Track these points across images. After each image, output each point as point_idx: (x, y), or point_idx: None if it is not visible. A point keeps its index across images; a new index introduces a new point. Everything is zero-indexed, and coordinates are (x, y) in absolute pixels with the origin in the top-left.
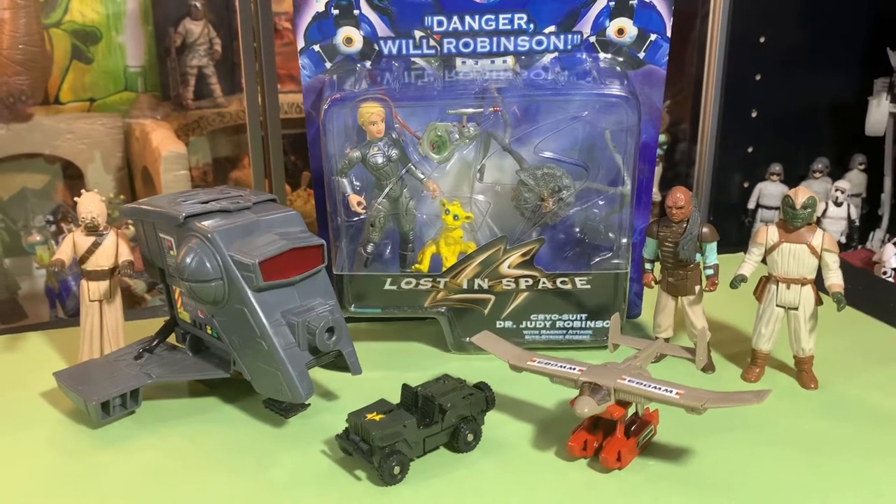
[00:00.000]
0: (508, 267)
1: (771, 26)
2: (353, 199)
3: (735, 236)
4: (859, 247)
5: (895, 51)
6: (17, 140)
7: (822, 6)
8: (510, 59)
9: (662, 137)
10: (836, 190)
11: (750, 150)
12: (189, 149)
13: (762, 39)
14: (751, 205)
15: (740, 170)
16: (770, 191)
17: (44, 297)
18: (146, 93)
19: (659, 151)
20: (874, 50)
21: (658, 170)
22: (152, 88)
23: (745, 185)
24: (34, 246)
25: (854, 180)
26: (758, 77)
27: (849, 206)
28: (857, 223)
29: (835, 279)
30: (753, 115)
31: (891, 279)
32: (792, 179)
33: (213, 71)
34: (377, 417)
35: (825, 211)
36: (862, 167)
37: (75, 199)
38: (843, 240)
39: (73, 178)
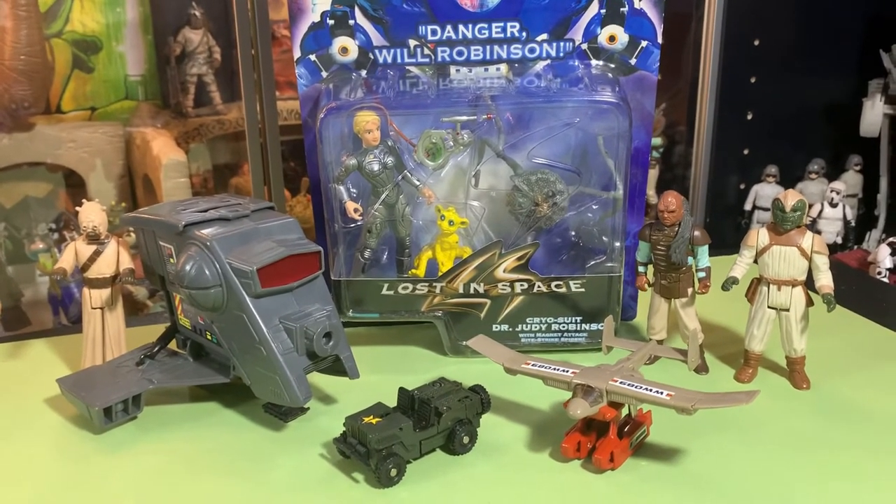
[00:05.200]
0: (504, 271)
1: (765, 29)
2: (350, 205)
3: (731, 238)
4: (855, 247)
5: (888, 53)
6: (20, 149)
7: (816, 9)
8: (503, 67)
9: (659, 140)
10: (832, 191)
11: (746, 152)
12: (189, 156)
13: (757, 42)
14: (747, 206)
15: (736, 172)
16: (766, 192)
17: (47, 304)
18: (146, 101)
19: (655, 154)
20: (868, 52)
21: (654, 172)
22: (152, 97)
23: (742, 186)
24: (37, 253)
25: (850, 181)
26: (753, 80)
27: (844, 206)
28: (853, 224)
29: (824, 280)
30: (749, 117)
31: (885, 279)
32: (788, 181)
33: (213, 79)
34: (374, 421)
35: (821, 212)
36: (857, 168)
37: (77, 208)
38: (839, 240)
39: (75, 186)
